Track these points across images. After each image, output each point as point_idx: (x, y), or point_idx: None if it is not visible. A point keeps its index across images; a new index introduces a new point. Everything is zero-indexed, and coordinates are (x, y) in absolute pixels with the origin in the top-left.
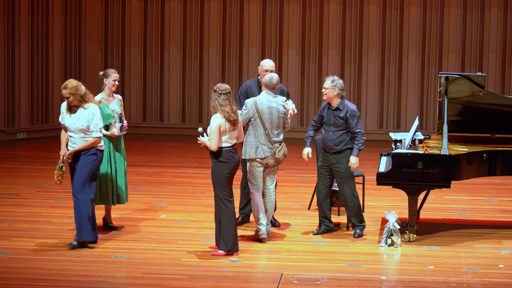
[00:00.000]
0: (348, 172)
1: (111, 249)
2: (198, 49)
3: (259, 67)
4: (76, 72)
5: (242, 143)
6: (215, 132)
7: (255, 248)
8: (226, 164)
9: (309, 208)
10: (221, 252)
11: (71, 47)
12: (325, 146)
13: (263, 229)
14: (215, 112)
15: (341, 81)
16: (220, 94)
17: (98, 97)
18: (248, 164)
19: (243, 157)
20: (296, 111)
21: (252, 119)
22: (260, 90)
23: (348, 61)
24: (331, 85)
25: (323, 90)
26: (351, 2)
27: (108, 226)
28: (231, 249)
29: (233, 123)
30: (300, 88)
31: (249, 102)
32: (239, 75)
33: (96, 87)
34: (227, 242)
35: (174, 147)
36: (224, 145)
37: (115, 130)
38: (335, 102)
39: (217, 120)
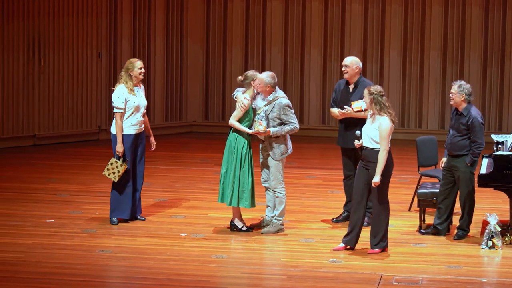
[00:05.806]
0: (466, 176)
1: (211, 248)
2: (300, 49)
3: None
4: (177, 71)
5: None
6: (387, 137)
7: (354, 249)
8: (389, 167)
9: (409, 210)
10: (376, 249)
11: (173, 46)
12: (447, 148)
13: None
14: (381, 115)
15: (468, 86)
16: (383, 95)
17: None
18: (280, 162)
19: (288, 153)
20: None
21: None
22: (346, 87)
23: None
24: (458, 90)
25: (450, 95)
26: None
27: (246, 229)
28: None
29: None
30: (401, 88)
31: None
32: (340, 76)
33: (197, 87)
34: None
35: None
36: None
37: (261, 128)
38: (462, 107)
39: (388, 123)
